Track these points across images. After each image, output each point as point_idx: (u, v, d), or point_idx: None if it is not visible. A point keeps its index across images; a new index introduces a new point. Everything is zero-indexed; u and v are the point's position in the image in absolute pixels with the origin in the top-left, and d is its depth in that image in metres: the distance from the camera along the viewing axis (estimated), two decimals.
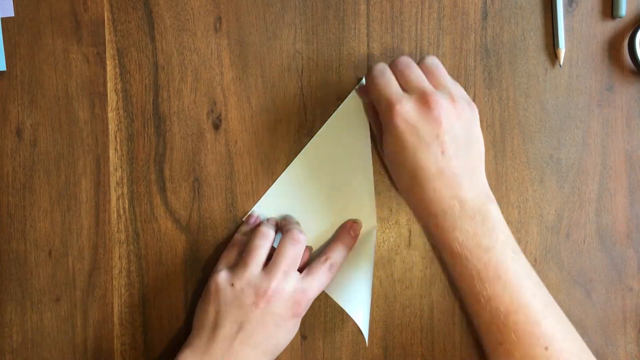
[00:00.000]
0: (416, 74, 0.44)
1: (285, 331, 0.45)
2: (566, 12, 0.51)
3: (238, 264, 0.46)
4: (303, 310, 0.45)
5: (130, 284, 0.50)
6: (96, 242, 0.50)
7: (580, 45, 0.51)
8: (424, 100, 0.42)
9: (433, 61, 0.45)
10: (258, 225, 0.49)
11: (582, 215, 0.52)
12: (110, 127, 0.50)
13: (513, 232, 0.51)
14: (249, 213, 0.50)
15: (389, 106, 0.42)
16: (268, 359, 0.45)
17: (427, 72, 0.44)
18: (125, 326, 0.50)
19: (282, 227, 0.48)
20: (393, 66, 0.45)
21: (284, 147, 0.50)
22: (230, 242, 0.49)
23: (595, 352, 0.52)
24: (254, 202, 0.50)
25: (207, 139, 0.50)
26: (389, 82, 0.44)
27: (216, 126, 0.50)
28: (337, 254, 0.48)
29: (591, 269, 0.52)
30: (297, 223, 0.50)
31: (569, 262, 0.52)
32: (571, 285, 0.52)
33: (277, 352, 0.46)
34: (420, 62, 0.45)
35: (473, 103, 0.45)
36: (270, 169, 0.50)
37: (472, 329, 0.51)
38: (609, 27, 0.51)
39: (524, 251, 0.52)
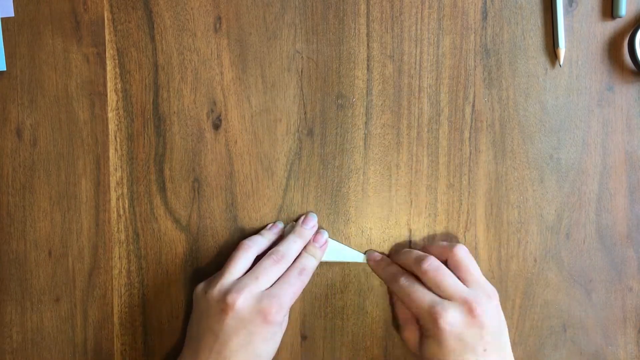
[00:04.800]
0: (449, 281, 0.45)
1: (262, 339, 0.43)
2: (566, 12, 0.51)
3: (216, 274, 0.46)
4: (274, 316, 0.43)
5: (130, 284, 0.50)
6: (96, 242, 0.50)
7: (580, 45, 0.51)
8: (469, 308, 0.44)
9: (464, 255, 0.47)
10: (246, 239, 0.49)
11: (582, 215, 0.52)
12: (110, 127, 0.50)
13: (513, 232, 0.52)
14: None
15: (434, 315, 0.44)
16: None
17: (459, 269, 0.46)
18: (125, 326, 0.50)
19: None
20: (418, 269, 0.46)
21: (284, 147, 0.50)
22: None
23: (595, 352, 0.52)
24: (254, 202, 0.50)
25: (207, 139, 0.50)
26: (422, 292, 0.45)
27: (216, 126, 0.50)
28: (304, 258, 0.48)
29: (591, 269, 0.52)
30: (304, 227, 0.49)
31: (569, 262, 0.52)
32: (571, 285, 0.52)
33: None
34: (449, 252, 0.47)
35: (493, 287, 0.46)
36: (270, 169, 0.50)
37: None
38: (609, 27, 0.51)
39: (524, 251, 0.52)
